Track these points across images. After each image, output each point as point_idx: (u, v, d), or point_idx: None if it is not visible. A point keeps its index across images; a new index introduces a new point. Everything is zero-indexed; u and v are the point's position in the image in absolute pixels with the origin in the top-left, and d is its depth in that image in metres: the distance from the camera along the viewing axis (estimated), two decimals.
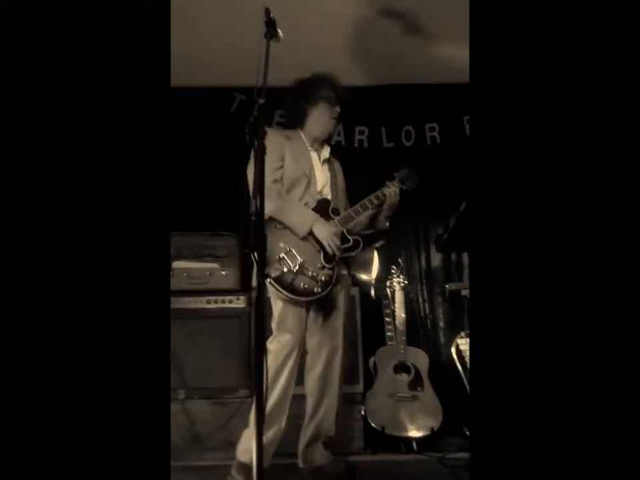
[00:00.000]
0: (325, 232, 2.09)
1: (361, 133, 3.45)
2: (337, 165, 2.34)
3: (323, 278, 2.06)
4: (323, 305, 2.16)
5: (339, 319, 2.19)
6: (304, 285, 2.03)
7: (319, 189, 2.20)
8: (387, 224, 2.28)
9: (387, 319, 2.93)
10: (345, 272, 2.25)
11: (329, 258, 2.09)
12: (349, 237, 2.16)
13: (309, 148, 2.25)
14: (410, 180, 2.24)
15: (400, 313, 2.91)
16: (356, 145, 3.42)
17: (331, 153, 2.31)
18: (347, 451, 2.43)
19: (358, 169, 3.08)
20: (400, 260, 3.13)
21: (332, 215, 2.15)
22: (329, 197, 2.21)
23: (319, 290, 2.05)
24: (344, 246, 2.14)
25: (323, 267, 2.07)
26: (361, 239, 2.19)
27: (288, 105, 2.31)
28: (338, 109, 2.25)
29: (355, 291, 2.68)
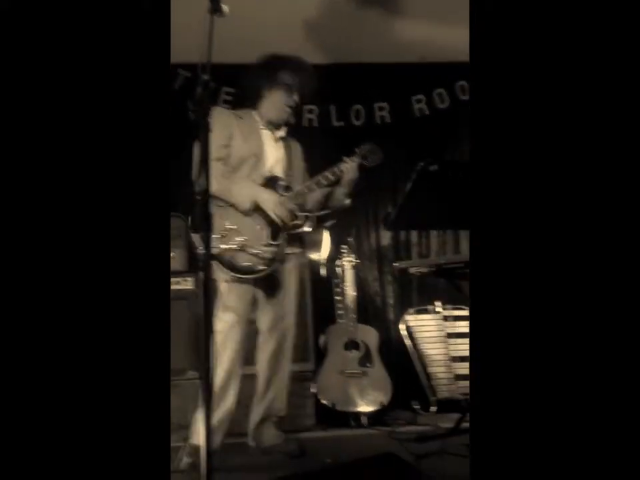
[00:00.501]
0: (270, 201, 2.04)
1: (310, 112, 3.42)
2: (295, 145, 2.29)
3: (267, 255, 2.02)
4: (273, 284, 2.12)
5: (290, 298, 2.17)
6: (245, 262, 1.99)
7: (267, 167, 2.14)
8: (347, 201, 2.21)
9: (337, 298, 2.95)
10: (298, 251, 2.21)
11: (275, 234, 2.05)
12: (298, 214, 2.11)
13: (262, 127, 2.18)
14: (374, 155, 2.14)
15: (350, 291, 2.94)
16: (305, 124, 3.39)
17: (288, 132, 2.24)
18: (298, 428, 2.44)
19: (308, 148, 3.05)
20: (350, 239, 3.15)
21: (281, 192, 2.10)
22: (280, 175, 2.15)
23: (262, 267, 2.02)
24: (293, 222, 2.09)
25: (269, 244, 2.04)
26: (310, 215, 2.15)
27: (244, 83, 2.21)
28: (296, 97, 2.14)
29: (304, 270, 2.67)
